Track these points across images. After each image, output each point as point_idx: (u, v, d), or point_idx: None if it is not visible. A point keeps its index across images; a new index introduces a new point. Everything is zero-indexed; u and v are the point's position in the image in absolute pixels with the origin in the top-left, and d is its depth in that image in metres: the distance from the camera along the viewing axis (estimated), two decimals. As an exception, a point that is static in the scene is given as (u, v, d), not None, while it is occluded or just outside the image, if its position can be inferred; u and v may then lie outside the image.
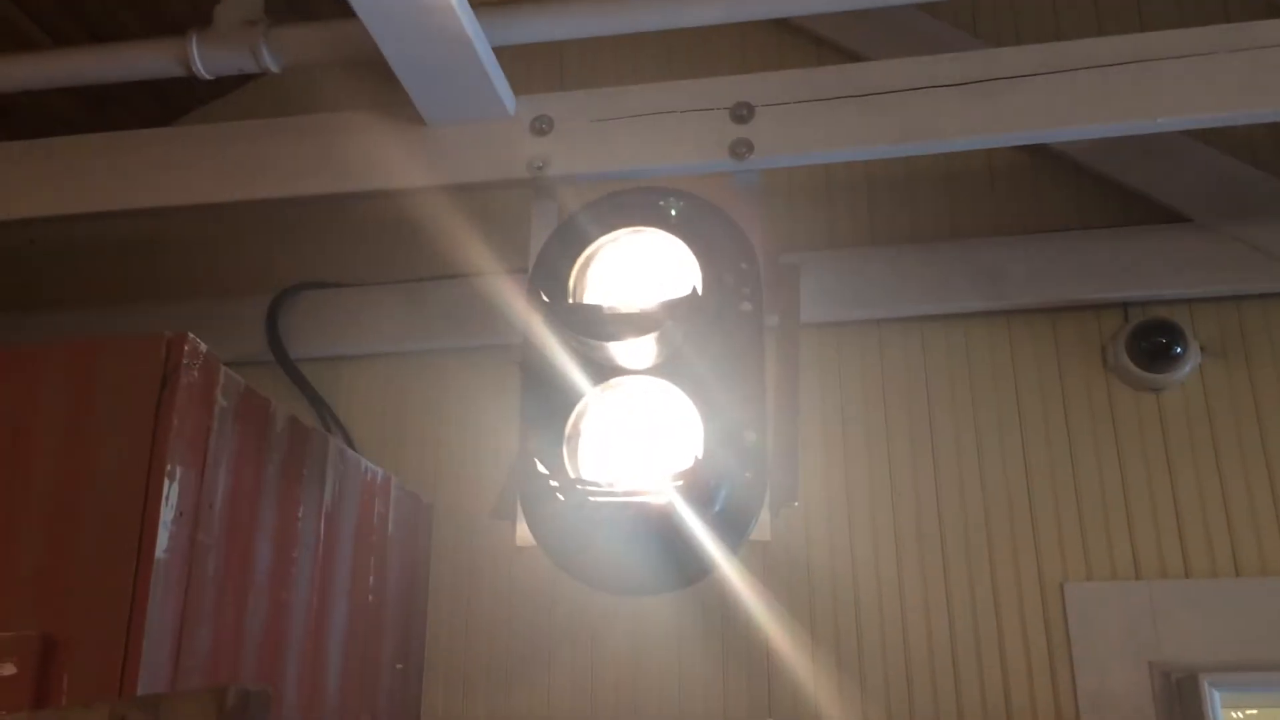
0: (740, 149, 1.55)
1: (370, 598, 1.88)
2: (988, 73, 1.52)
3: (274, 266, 2.40)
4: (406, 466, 2.17)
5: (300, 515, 1.65)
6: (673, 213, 1.46)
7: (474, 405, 2.23)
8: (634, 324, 1.37)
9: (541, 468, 1.37)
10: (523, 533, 1.45)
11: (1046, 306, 2.08)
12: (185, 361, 1.35)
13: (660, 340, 1.40)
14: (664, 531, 1.37)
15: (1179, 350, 1.95)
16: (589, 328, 1.38)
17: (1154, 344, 1.96)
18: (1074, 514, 1.96)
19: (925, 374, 2.10)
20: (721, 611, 2.00)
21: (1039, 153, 2.19)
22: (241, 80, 2.54)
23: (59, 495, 1.31)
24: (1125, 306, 2.05)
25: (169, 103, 2.50)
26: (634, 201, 1.48)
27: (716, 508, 1.38)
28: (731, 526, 1.39)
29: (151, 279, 2.47)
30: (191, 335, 1.37)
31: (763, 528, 1.41)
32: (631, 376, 1.43)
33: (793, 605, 1.98)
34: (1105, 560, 1.93)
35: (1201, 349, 2.00)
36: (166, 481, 1.31)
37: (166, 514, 1.30)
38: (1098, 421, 2.01)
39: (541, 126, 1.61)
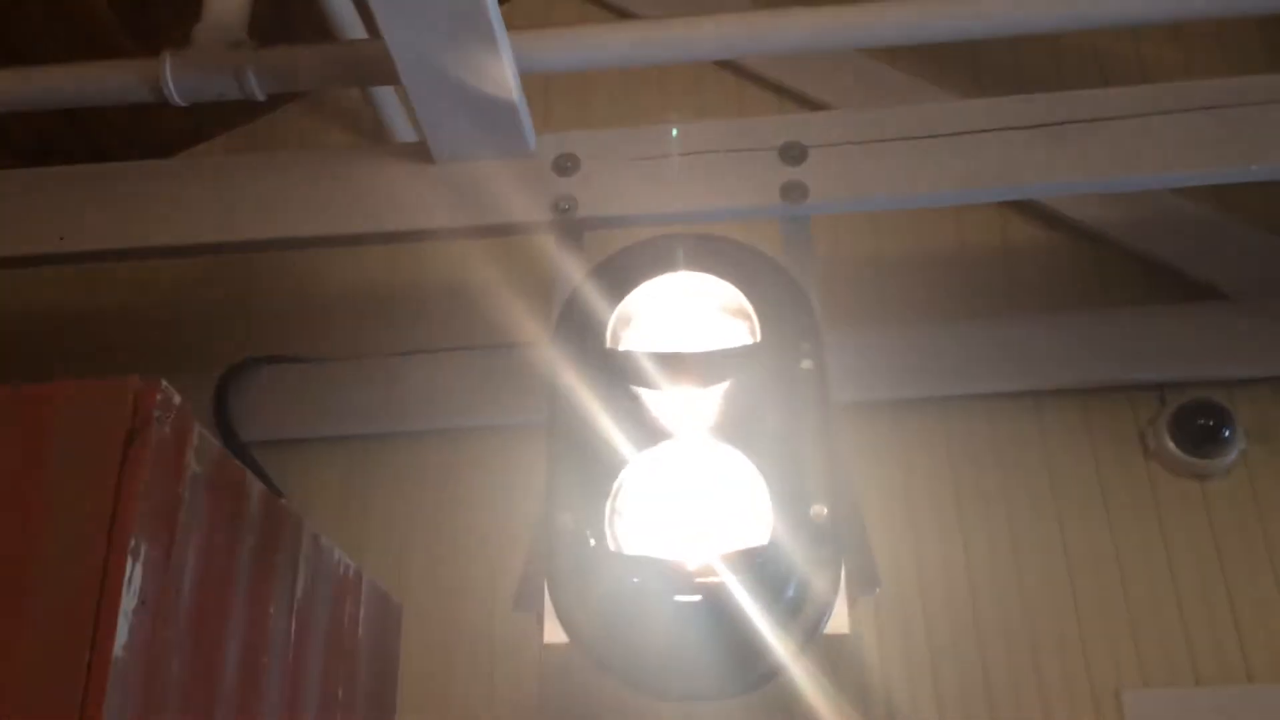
0: (793, 193, 1.39)
1: (338, 715, 1.61)
2: (1064, 115, 1.39)
3: (223, 339, 2.15)
4: (372, 562, 1.91)
5: (271, 612, 1.39)
6: (724, 258, 1.28)
7: (450, 494, 1.99)
8: (694, 372, 1.18)
9: (591, 540, 1.15)
10: (551, 628, 1.23)
11: (1076, 388, 1.93)
12: (157, 414, 1.11)
13: (716, 397, 1.21)
14: (727, 623, 1.16)
15: (1227, 433, 1.82)
16: (640, 376, 1.18)
17: (1199, 427, 1.83)
18: (1123, 613, 1.78)
19: (950, 460, 1.92)
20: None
21: (1057, 226, 2.08)
22: (193, 140, 2.34)
23: (-3, 574, 1.05)
24: (1161, 388, 1.92)
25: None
26: (679, 245, 1.30)
27: (789, 594, 1.17)
28: (804, 617, 1.18)
29: (84, 352, 2.19)
30: (164, 382, 1.13)
31: (839, 619, 1.20)
32: (683, 439, 1.23)
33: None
34: (1161, 663, 1.75)
35: (1245, 434, 1.87)
36: (130, 560, 1.05)
37: (128, 601, 1.05)
38: (1141, 512, 1.85)
39: (565, 165, 1.43)
